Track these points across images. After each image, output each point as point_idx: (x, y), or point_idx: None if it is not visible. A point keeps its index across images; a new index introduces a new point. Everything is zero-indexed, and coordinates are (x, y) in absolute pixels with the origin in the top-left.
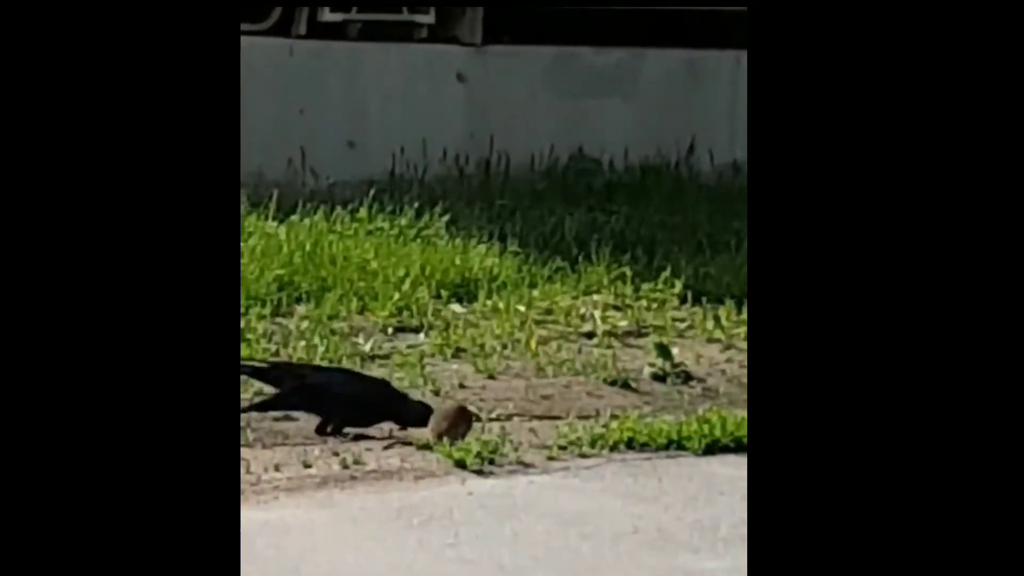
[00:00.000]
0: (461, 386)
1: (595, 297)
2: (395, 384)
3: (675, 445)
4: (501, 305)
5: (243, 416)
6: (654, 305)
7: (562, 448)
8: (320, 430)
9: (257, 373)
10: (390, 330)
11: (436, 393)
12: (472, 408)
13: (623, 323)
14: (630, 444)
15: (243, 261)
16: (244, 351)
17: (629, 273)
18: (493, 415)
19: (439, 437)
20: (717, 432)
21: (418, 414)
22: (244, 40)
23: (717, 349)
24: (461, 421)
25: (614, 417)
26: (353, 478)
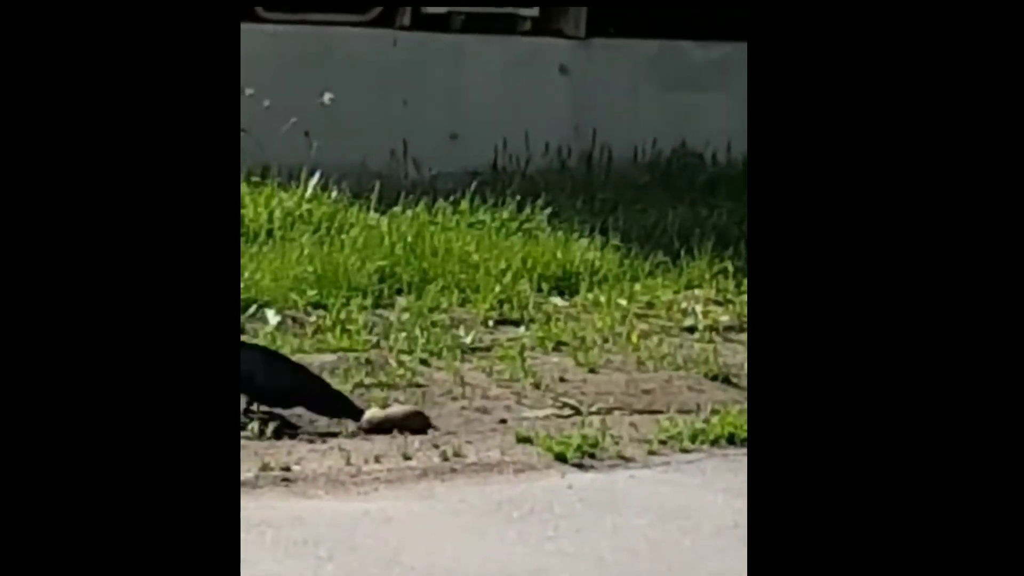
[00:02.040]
0: (562, 379)
1: (697, 292)
2: (496, 376)
3: None
4: (602, 299)
5: None
6: None
7: (663, 442)
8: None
9: None
10: (491, 322)
11: (536, 386)
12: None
13: (724, 318)
14: (731, 439)
15: (344, 252)
16: (344, 342)
17: (731, 268)
18: (594, 409)
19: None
20: None
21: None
22: (348, 32)
23: None
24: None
25: (715, 412)
26: (453, 470)
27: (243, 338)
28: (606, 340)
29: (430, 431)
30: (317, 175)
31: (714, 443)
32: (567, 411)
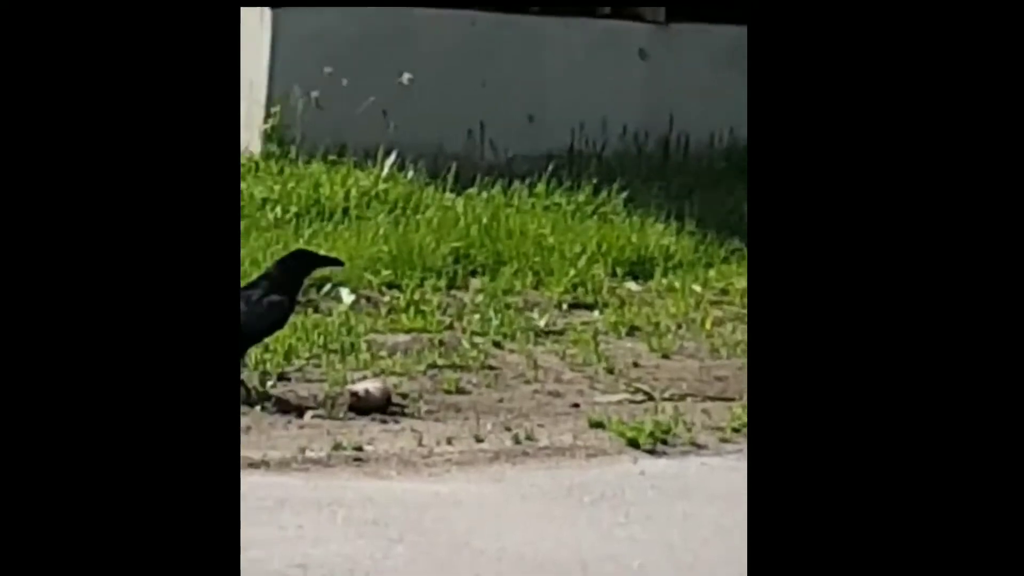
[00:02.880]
0: (635, 365)
1: None
2: (569, 359)
3: None
4: (677, 284)
5: (414, 389)
6: None
7: (735, 430)
8: None
9: None
10: (565, 306)
11: (609, 371)
12: (643, 387)
13: None
14: None
15: (420, 233)
16: (418, 323)
17: None
18: (667, 395)
19: None
20: None
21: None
22: (427, 12)
23: None
24: None
25: None
26: (525, 454)
27: (316, 317)
28: (680, 326)
29: (502, 414)
30: (394, 155)
31: None
32: (640, 396)
